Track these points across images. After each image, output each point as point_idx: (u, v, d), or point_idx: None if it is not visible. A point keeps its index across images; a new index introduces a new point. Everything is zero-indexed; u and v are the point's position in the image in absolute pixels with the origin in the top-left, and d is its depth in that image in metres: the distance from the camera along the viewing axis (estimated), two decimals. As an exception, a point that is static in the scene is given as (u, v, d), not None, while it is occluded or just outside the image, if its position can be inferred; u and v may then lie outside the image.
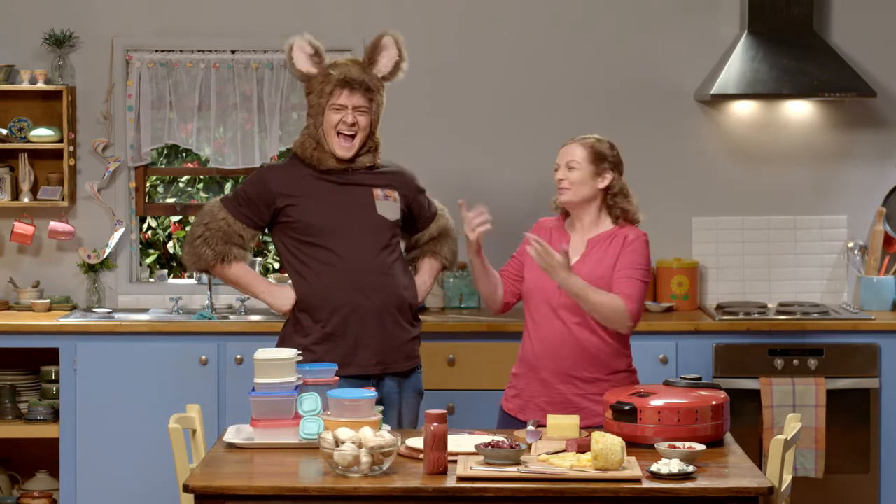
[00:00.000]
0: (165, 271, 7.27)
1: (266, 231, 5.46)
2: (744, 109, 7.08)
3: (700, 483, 4.21)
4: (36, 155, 7.02)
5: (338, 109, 5.27)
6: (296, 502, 4.21)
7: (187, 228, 5.51)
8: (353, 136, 5.30)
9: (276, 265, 8.27)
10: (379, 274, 5.28)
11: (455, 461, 4.36)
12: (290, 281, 5.41)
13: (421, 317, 6.52)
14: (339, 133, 5.29)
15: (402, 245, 5.54)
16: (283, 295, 5.36)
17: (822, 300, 7.10)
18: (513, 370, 5.21)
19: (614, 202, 5.12)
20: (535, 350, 5.10)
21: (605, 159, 5.09)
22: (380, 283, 5.28)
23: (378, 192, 5.34)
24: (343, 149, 5.30)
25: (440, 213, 5.64)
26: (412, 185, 5.50)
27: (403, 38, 5.46)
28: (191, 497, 4.34)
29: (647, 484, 4.20)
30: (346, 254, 5.26)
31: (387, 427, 4.74)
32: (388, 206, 5.35)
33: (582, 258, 5.08)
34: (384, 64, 5.39)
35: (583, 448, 4.44)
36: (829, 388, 6.47)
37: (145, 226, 8.56)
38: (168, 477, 6.20)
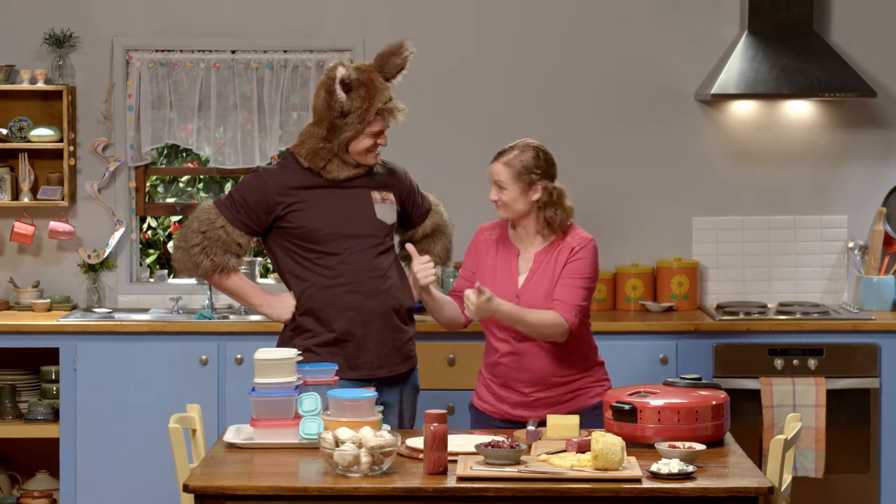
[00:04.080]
0: (165, 271, 7.27)
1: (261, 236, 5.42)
2: (744, 109, 7.08)
3: (700, 483, 4.21)
4: (36, 155, 7.02)
5: (374, 135, 5.25)
6: (296, 502, 4.21)
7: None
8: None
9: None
10: (378, 278, 5.27)
11: (455, 461, 4.36)
12: (283, 285, 5.39)
13: (421, 317, 6.54)
14: (370, 152, 5.29)
15: (396, 239, 5.53)
16: (281, 305, 5.32)
17: (822, 300, 7.10)
18: (481, 370, 5.21)
19: (542, 213, 5.06)
20: (502, 363, 5.10)
21: (530, 172, 5.01)
22: (379, 287, 5.27)
23: (376, 195, 5.34)
24: (374, 158, 5.30)
25: (434, 208, 5.63)
26: (405, 183, 5.49)
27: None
28: (191, 497, 4.34)
29: (647, 484, 4.20)
30: (347, 258, 5.25)
31: (387, 427, 4.74)
32: (386, 208, 5.35)
33: (531, 273, 5.06)
34: (394, 71, 5.35)
35: (583, 448, 4.44)
36: (829, 388, 6.48)
37: (145, 226, 8.56)
38: (168, 477, 6.20)
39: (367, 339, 5.25)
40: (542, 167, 5.03)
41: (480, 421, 5.19)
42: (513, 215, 5.08)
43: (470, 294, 4.91)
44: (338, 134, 5.22)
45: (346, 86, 5.20)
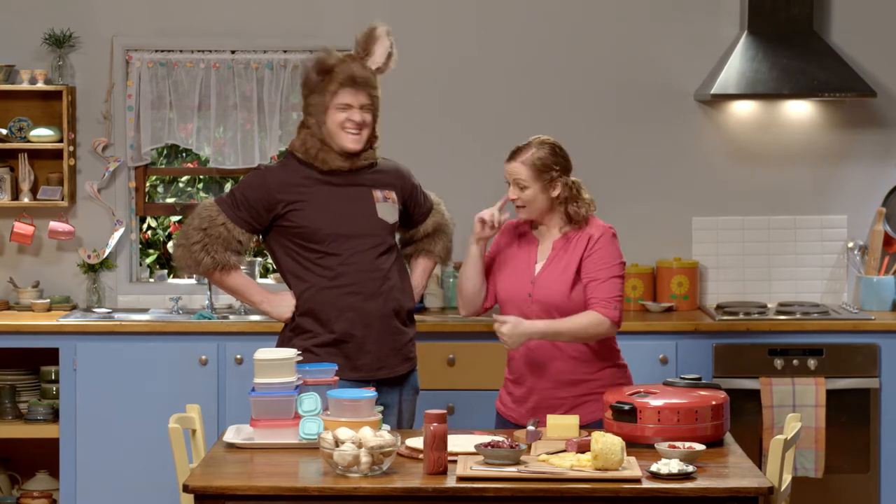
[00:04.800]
0: (165, 271, 7.27)
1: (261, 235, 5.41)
2: (744, 109, 7.08)
3: (700, 483, 4.21)
4: (36, 155, 7.02)
5: (343, 108, 5.23)
6: (296, 502, 4.21)
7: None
8: (359, 132, 5.29)
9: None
10: (379, 278, 5.26)
11: (455, 461, 4.36)
12: (284, 285, 5.38)
13: (421, 317, 6.56)
14: (345, 129, 5.26)
15: (397, 237, 5.52)
16: (281, 303, 5.31)
17: (822, 300, 7.10)
18: (505, 372, 5.21)
19: (564, 208, 5.04)
20: (518, 360, 5.08)
21: (549, 169, 5.00)
22: (380, 288, 5.26)
23: (377, 193, 5.32)
24: (352, 141, 5.24)
25: (436, 207, 5.62)
26: (407, 182, 5.48)
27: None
28: (191, 497, 4.34)
29: (647, 484, 4.20)
30: (348, 258, 5.24)
31: (387, 427, 4.74)
32: (388, 207, 5.33)
33: (548, 261, 5.04)
34: (378, 55, 5.36)
35: (583, 448, 4.44)
36: (829, 388, 6.48)
37: (145, 226, 8.56)
38: (168, 477, 6.20)
39: (366, 340, 5.24)
40: (560, 163, 5.02)
41: (499, 425, 5.17)
42: (534, 215, 5.05)
43: (498, 328, 4.88)
44: (315, 115, 5.24)
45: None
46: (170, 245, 8.60)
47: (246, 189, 5.28)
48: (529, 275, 5.06)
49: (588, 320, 4.93)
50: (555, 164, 5.01)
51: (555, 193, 5.02)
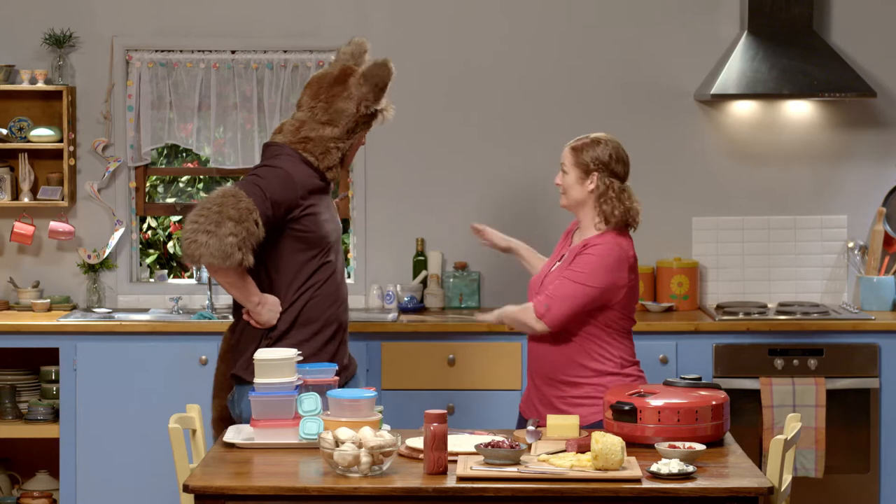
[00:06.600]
0: (165, 271, 7.27)
1: None
2: (744, 109, 7.08)
3: (700, 483, 4.21)
4: (36, 155, 7.02)
5: (363, 144, 5.37)
6: (296, 502, 4.21)
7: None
8: None
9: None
10: (345, 288, 5.36)
11: (455, 461, 4.36)
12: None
13: (421, 317, 6.61)
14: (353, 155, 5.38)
15: None
16: (273, 307, 5.25)
17: (822, 300, 7.09)
18: None
19: (599, 205, 5.06)
20: (529, 353, 5.13)
21: (590, 161, 5.03)
22: (346, 297, 5.35)
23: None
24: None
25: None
26: None
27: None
28: (191, 497, 4.35)
29: (647, 484, 4.20)
30: (337, 268, 5.28)
31: (387, 427, 4.74)
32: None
33: (562, 263, 5.10)
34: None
35: (583, 448, 4.44)
36: (829, 388, 6.48)
37: (145, 226, 8.56)
38: (168, 477, 6.21)
39: (340, 350, 5.28)
40: (603, 161, 5.04)
41: (521, 423, 5.20)
42: (570, 202, 5.10)
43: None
44: (351, 135, 5.25)
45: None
46: (170, 245, 8.59)
47: (276, 190, 5.14)
48: (545, 273, 5.14)
49: (520, 308, 5.05)
50: (597, 159, 5.04)
51: (590, 187, 5.04)
